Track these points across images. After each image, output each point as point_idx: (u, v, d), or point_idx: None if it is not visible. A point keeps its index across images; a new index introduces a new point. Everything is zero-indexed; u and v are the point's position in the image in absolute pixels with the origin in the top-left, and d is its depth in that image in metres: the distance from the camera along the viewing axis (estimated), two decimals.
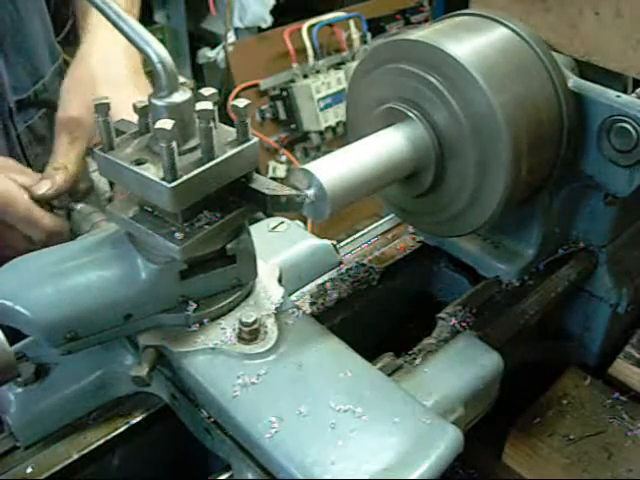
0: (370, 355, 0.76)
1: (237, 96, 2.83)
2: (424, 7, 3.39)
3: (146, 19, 2.99)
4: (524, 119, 0.77)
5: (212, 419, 0.70)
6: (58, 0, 1.34)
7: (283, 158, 3.01)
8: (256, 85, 2.92)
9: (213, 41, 3.11)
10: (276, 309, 0.75)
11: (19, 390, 0.75)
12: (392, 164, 0.78)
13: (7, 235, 1.05)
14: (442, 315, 0.89)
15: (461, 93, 0.76)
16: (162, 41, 2.67)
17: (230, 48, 2.93)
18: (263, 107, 2.96)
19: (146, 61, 0.67)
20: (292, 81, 2.98)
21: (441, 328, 0.88)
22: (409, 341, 0.86)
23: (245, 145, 0.68)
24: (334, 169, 0.73)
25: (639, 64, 0.84)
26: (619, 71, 0.87)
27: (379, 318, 1.03)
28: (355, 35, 3.07)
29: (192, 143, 0.67)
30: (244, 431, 0.65)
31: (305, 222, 1.97)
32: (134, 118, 0.71)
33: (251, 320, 0.71)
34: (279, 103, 2.98)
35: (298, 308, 0.77)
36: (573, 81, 0.83)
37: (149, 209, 0.69)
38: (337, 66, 3.07)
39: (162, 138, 0.61)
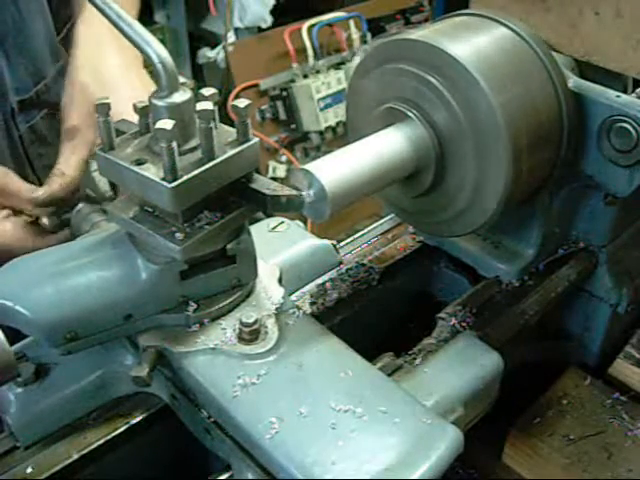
0: (370, 355, 0.76)
1: (237, 96, 2.83)
2: (424, 7, 3.39)
3: (146, 19, 2.99)
4: (524, 119, 0.77)
5: (212, 419, 0.70)
6: (58, 0, 1.34)
7: (283, 158, 3.01)
8: (256, 85, 2.92)
9: (213, 41, 3.11)
10: (276, 309, 0.75)
11: (19, 390, 0.75)
12: (392, 164, 0.78)
13: None
14: (442, 315, 0.89)
15: (461, 93, 0.76)
16: (162, 41, 2.67)
17: (230, 48, 2.93)
18: (263, 107, 2.96)
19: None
20: (292, 81, 2.98)
21: (441, 328, 0.88)
22: (409, 341, 0.86)
23: (245, 145, 0.68)
24: (334, 169, 0.73)
25: (639, 64, 0.84)
26: (619, 71, 0.87)
27: (379, 318, 1.03)
28: (355, 35, 3.07)
29: (192, 143, 0.67)
30: (244, 431, 0.65)
31: (305, 222, 1.97)
32: (133, 118, 0.71)
33: (251, 320, 0.71)
34: (279, 103, 2.98)
35: (298, 308, 0.77)
36: (573, 81, 0.83)
37: (149, 209, 0.69)
38: (337, 66, 3.07)
39: (162, 138, 0.61)
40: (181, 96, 0.66)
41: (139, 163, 0.66)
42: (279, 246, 0.90)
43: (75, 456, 0.74)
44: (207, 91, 0.69)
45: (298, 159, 3.03)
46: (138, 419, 0.78)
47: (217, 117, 0.68)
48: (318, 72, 2.99)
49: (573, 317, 1.05)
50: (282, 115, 2.99)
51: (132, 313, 0.71)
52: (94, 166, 1.05)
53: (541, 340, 1.03)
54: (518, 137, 0.76)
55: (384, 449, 0.62)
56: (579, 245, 0.99)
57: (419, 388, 0.76)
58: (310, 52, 2.94)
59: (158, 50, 0.65)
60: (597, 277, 1.00)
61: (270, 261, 0.83)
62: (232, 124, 0.70)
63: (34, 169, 1.29)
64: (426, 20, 3.33)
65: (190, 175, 0.64)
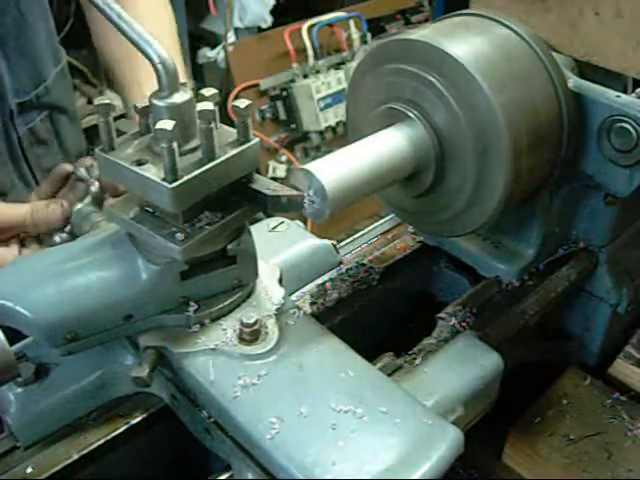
0: (370, 355, 0.76)
1: (237, 96, 2.83)
2: (424, 7, 3.39)
3: None
4: (524, 119, 0.77)
5: (212, 419, 0.70)
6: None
7: (283, 158, 3.01)
8: (256, 85, 2.92)
9: (213, 41, 3.11)
10: (277, 310, 0.75)
11: (19, 390, 0.75)
12: (392, 164, 0.78)
13: None
14: (442, 315, 0.89)
15: (461, 93, 0.76)
16: None
17: (230, 48, 2.93)
18: (263, 107, 2.96)
19: None
20: (292, 81, 2.98)
21: (441, 328, 0.88)
22: (409, 341, 0.86)
23: (246, 146, 0.68)
24: (334, 169, 0.73)
25: (639, 64, 0.84)
26: (619, 71, 0.87)
27: (379, 318, 1.03)
28: (355, 35, 3.07)
29: (193, 144, 0.67)
30: (245, 432, 0.65)
31: (305, 222, 1.97)
32: None
33: (252, 321, 0.71)
34: (279, 103, 2.98)
35: (299, 309, 0.77)
36: (573, 81, 0.83)
37: (150, 209, 0.69)
38: (337, 66, 3.07)
39: (163, 139, 0.61)
40: (181, 96, 0.66)
41: (140, 163, 0.66)
42: (279, 246, 0.90)
43: (75, 456, 0.74)
44: (208, 91, 0.69)
45: (298, 159, 3.03)
46: (138, 419, 0.78)
47: (217, 117, 0.68)
48: (318, 72, 2.99)
49: (573, 317, 1.05)
50: (282, 115, 2.99)
51: (132, 313, 0.71)
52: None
53: (541, 340, 1.03)
54: (518, 137, 0.76)
55: (384, 449, 0.62)
56: (579, 245, 0.99)
57: (419, 388, 0.76)
58: (310, 52, 2.94)
59: (158, 50, 0.65)
60: (597, 277, 1.00)
61: (270, 261, 0.83)
62: (232, 124, 0.70)
63: (32, 171, 1.29)
64: (426, 20, 3.33)
65: (190, 175, 0.64)
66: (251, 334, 0.71)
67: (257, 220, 0.92)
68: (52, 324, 0.68)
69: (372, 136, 0.80)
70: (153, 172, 0.64)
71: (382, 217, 1.12)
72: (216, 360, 0.70)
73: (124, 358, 0.78)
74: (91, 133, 1.63)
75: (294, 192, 0.70)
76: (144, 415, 0.79)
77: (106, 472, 0.77)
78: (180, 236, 0.66)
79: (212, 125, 0.64)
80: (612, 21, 0.84)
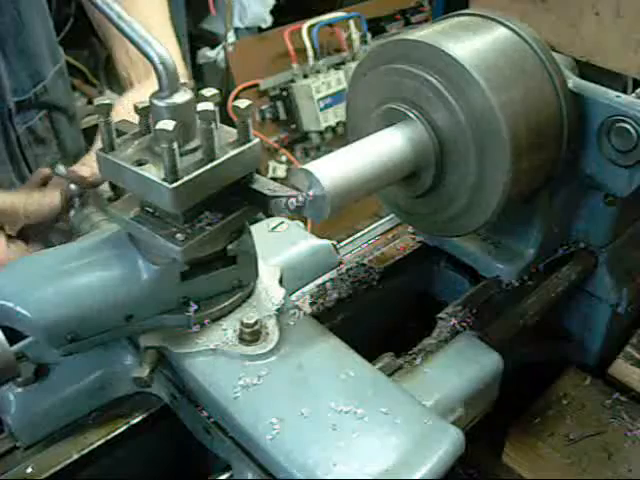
0: (370, 355, 0.76)
1: (237, 96, 2.83)
2: (424, 7, 3.39)
3: None
4: (524, 119, 0.77)
5: (212, 419, 0.70)
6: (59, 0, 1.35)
7: (283, 158, 3.00)
8: (256, 85, 2.92)
9: (213, 41, 3.11)
10: (277, 310, 0.75)
11: (19, 390, 0.75)
12: (392, 164, 0.78)
13: None
14: (442, 315, 0.89)
15: (461, 93, 0.76)
16: None
17: (230, 48, 2.92)
18: (263, 107, 2.96)
19: None
20: (292, 81, 2.98)
21: (441, 328, 0.88)
22: (409, 341, 0.86)
23: (246, 146, 0.68)
24: (334, 169, 0.73)
25: (639, 64, 0.84)
26: (619, 71, 0.87)
27: (379, 318, 1.03)
28: (355, 35, 3.07)
29: (193, 144, 0.67)
30: (245, 432, 0.65)
31: (305, 222, 1.97)
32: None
33: (252, 321, 0.71)
34: (279, 103, 2.97)
35: (299, 309, 0.77)
36: (573, 81, 0.83)
37: (150, 210, 0.69)
38: (337, 66, 3.07)
39: (163, 139, 0.61)
40: (182, 97, 0.66)
41: (140, 164, 0.66)
42: (279, 246, 0.90)
43: (75, 456, 0.74)
44: (208, 92, 0.69)
45: (298, 159, 3.03)
46: (138, 419, 0.78)
47: (218, 118, 0.68)
48: (318, 72, 2.99)
49: (573, 317, 1.05)
50: (282, 115, 2.99)
51: (133, 314, 0.71)
52: None
53: (541, 340, 1.03)
54: (518, 137, 0.76)
55: (385, 450, 0.62)
56: (579, 245, 0.99)
57: (419, 388, 0.76)
58: (310, 52, 2.94)
59: (159, 50, 0.65)
60: (597, 277, 1.00)
61: (270, 261, 0.83)
62: (232, 124, 0.70)
63: (31, 170, 1.29)
64: (426, 20, 3.33)
65: (191, 176, 0.64)
66: (251, 334, 0.71)
67: (257, 220, 0.92)
68: (52, 324, 0.68)
69: (372, 136, 0.80)
70: (153, 172, 0.64)
71: (382, 217, 1.12)
72: (216, 360, 0.70)
73: (124, 358, 0.78)
74: (91, 133, 1.63)
75: (294, 192, 0.70)
76: (144, 415, 0.79)
77: (106, 472, 0.77)
78: (180, 236, 0.66)
79: (212, 125, 0.64)
80: (612, 21, 0.84)
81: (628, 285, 1.00)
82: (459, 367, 0.80)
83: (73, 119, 1.42)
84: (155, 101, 0.66)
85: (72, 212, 1.06)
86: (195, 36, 3.19)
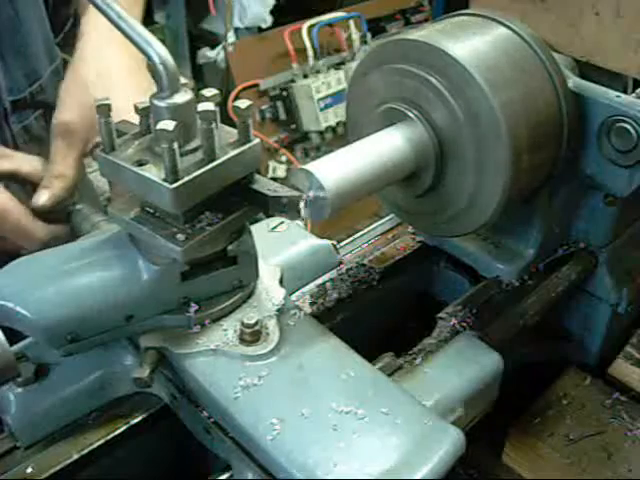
0: (370, 355, 0.76)
1: (237, 96, 2.83)
2: (424, 7, 3.39)
3: (146, 19, 2.98)
4: (524, 119, 0.77)
5: (212, 419, 0.70)
6: (57, 0, 1.34)
7: (283, 158, 3.01)
8: (256, 85, 2.92)
9: (213, 41, 3.11)
10: (277, 310, 0.75)
11: (19, 390, 0.75)
12: (392, 164, 0.78)
13: None
14: (442, 315, 0.89)
15: (461, 93, 0.76)
16: (162, 41, 2.67)
17: (230, 48, 2.93)
18: (263, 107, 2.96)
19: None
20: (292, 81, 2.98)
21: (441, 328, 0.88)
22: (409, 341, 0.86)
23: (247, 146, 0.68)
24: (334, 169, 0.73)
25: (639, 64, 0.84)
26: (619, 71, 0.87)
27: (379, 318, 1.03)
28: (355, 35, 3.07)
29: (193, 144, 0.67)
30: (246, 432, 0.65)
31: (305, 222, 1.97)
32: (134, 119, 0.71)
33: (253, 321, 0.71)
34: (279, 103, 2.98)
35: (299, 309, 0.77)
36: (573, 81, 0.83)
37: (150, 210, 0.69)
38: (337, 66, 3.07)
39: (163, 139, 0.61)
40: (182, 97, 0.66)
41: (140, 164, 0.66)
42: (279, 246, 0.90)
43: (75, 456, 0.74)
44: (208, 92, 0.69)
45: (298, 159, 3.03)
46: (138, 419, 0.78)
47: (218, 118, 0.68)
48: (318, 72, 2.99)
49: (573, 317, 1.05)
50: (282, 115, 2.99)
51: (133, 314, 0.71)
52: (94, 166, 1.04)
53: (541, 340, 1.03)
54: (518, 137, 0.76)
55: (386, 450, 0.62)
56: (579, 245, 0.99)
57: (419, 388, 0.76)
58: (310, 52, 2.94)
59: (159, 50, 0.65)
60: (597, 277, 1.00)
61: (270, 261, 0.84)
62: (232, 124, 0.70)
63: None
64: (426, 20, 3.33)
65: (191, 176, 0.64)
66: (252, 335, 0.71)
67: (257, 220, 0.92)
68: (53, 325, 0.68)
69: (372, 136, 0.80)
70: (154, 173, 0.64)
71: (382, 217, 1.12)
72: (217, 361, 0.70)
73: (124, 358, 0.78)
74: None
75: (294, 193, 0.70)
76: (144, 415, 0.79)
77: (106, 472, 0.77)
78: (181, 237, 0.66)
79: (213, 126, 0.64)
80: (612, 21, 0.84)
81: (628, 285, 1.00)
82: (459, 367, 0.80)
83: None
84: (155, 101, 0.66)
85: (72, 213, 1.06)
86: (195, 36, 3.20)
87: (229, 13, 2.95)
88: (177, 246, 0.66)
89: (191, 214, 0.67)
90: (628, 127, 0.80)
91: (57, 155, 1.06)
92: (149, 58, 0.65)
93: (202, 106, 0.64)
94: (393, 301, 1.04)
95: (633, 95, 0.83)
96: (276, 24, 3.08)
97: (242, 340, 0.71)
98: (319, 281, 0.95)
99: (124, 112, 0.75)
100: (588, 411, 0.95)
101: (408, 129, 0.80)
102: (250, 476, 0.68)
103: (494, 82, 0.75)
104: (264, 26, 3.10)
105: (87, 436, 0.76)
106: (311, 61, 2.96)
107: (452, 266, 1.06)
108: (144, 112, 0.69)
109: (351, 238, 1.09)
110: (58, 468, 0.73)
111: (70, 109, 1.07)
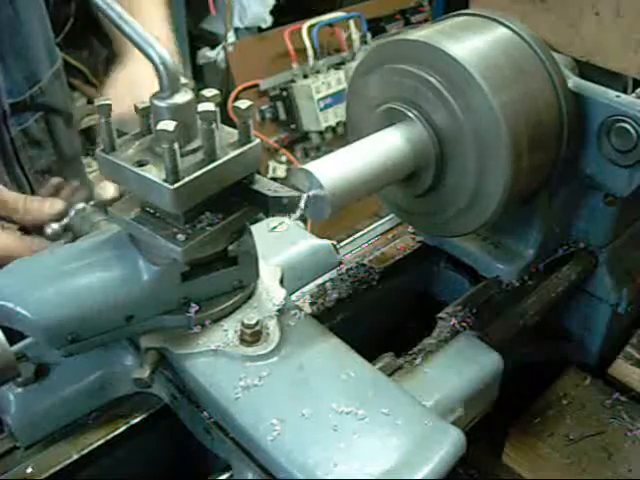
0: (370, 355, 0.76)
1: (237, 96, 2.83)
2: (424, 7, 3.39)
3: None
4: (524, 119, 0.77)
5: (213, 420, 0.70)
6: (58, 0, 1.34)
7: (283, 158, 3.01)
8: (256, 85, 2.92)
9: (213, 41, 3.11)
10: (278, 310, 0.75)
11: (19, 390, 0.75)
12: (392, 164, 0.78)
13: None
14: (442, 315, 0.89)
15: (461, 93, 0.76)
16: None
17: (230, 48, 2.93)
18: (263, 107, 2.96)
19: None
20: (292, 81, 2.98)
21: (441, 328, 0.88)
22: (409, 341, 0.86)
23: (247, 147, 0.68)
24: (334, 169, 0.74)
25: (639, 64, 0.84)
26: (619, 71, 0.87)
27: (379, 318, 1.03)
28: (355, 35, 3.07)
29: (194, 144, 0.67)
30: (246, 433, 0.65)
31: (305, 222, 1.97)
32: None
33: (253, 322, 0.71)
34: (279, 103, 2.98)
35: (300, 309, 0.77)
36: (573, 81, 0.83)
37: (151, 210, 0.69)
38: (337, 66, 3.07)
39: (164, 139, 0.61)
40: (182, 97, 0.66)
41: (141, 164, 0.66)
42: (279, 246, 0.90)
43: (75, 456, 0.74)
44: (209, 92, 0.69)
45: (298, 159, 3.03)
46: (138, 419, 0.78)
47: (219, 118, 0.68)
48: (318, 72, 2.99)
49: (573, 317, 1.05)
50: (282, 115, 2.99)
51: (133, 314, 0.71)
52: (94, 166, 1.04)
53: (541, 340, 1.03)
54: (518, 137, 0.76)
55: (386, 450, 0.62)
56: (579, 245, 0.99)
57: (419, 388, 0.76)
58: (310, 52, 2.94)
59: (160, 51, 0.65)
60: (597, 277, 1.00)
61: (270, 261, 0.84)
62: (232, 124, 0.70)
63: (25, 172, 1.28)
64: (426, 20, 3.33)
65: (192, 176, 0.64)
66: (252, 335, 0.71)
67: (257, 220, 0.92)
68: (53, 325, 0.68)
69: (372, 136, 0.80)
70: (154, 173, 0.64)
71: (382, 217, 1.12)
72: (217, 361, 0.70)
73: (124, 358, 0.78)
74: (91, 133, 1.63)
75: (295, 193, 0.70)
76: (144, 415, 0.79)
77: (106, 472, 0.77)
78: (181, 237, 0.66)
79: (213, 126, 0.64)
80: (612, 21, 0.84)
81: (628, 285, 1.00)
82: (459, 367, 0.80)
83: (70, 121, 1.41)
84: (156, 101, 0.66)
85: (72, 212, 1.05)
86: (195, 36, 3.19)
87: (229, 13, 2.95)
88: (177, 246, 0.66)
89: (191, 214, 0.67)
90: (628, 127, 0.80)
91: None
92: (149, 58, 0.65)
93: (202, 106, 0.64)
94: (393, 301, 1.05)
95: (633, 95, 0.83)
96: (276, 24, 3.08)
97: (242, 340, 0.71)
98: (319, 281, 0.95)
99: None
100: (588, 411, 0.95)
101: (408, 129, 0.80)
102: (250, 476, 0.68)
103: (494, 82, 0.75)
104: (264, 26, 3.10)
105: (87, 436, 0.76)
106: (311, 61, 2.96)
107: (452, 266, 1.06)
108: (145, 112, 0.69)
109: (351, 238, 1.09)
110: (58, 468, 0.74)
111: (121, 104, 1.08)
